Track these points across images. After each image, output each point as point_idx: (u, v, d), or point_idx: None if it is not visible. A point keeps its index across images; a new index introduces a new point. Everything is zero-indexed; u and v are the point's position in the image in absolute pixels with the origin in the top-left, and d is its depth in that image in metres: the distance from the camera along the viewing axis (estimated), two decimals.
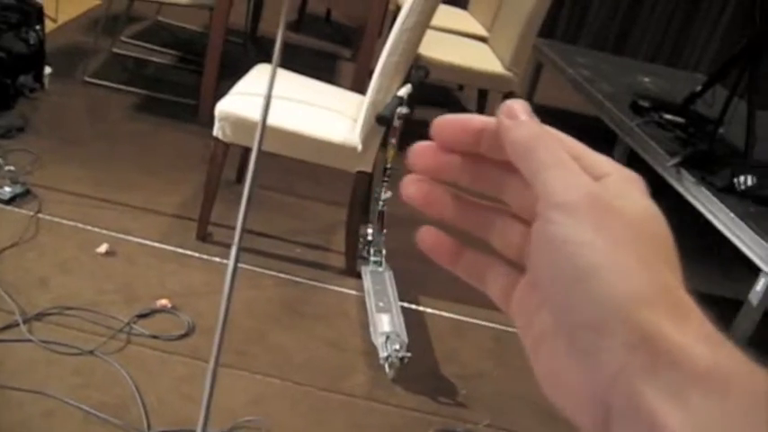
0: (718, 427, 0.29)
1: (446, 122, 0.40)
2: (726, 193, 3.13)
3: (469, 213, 0.41)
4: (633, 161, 3.78)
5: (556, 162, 0.35)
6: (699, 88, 3.98)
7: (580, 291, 0.32)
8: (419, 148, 0.40)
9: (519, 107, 0.37)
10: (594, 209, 0.33)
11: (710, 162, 3.41)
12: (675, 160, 3.38)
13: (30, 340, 2.19)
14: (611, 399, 0.32)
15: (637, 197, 0.34)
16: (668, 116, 3.87)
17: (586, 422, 0.34)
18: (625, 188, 0.34)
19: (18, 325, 2.22)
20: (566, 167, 0.35)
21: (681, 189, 3.30)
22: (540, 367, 0.37)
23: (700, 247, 3.67)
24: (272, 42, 4.41)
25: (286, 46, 4.47)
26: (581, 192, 0.34)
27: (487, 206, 0.41)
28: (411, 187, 0.41)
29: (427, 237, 0.42)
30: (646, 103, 4.00)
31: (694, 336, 0.31)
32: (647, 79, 4.89)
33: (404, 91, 2.53)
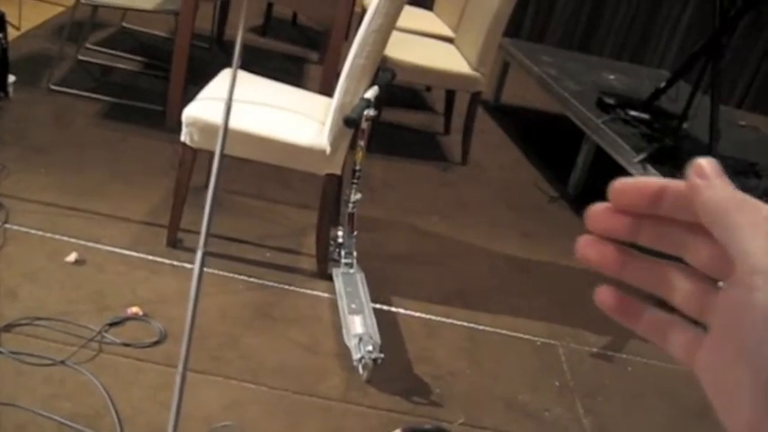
0: None
1: (624, 187, 0.40)
2: None
3: (645, 271, 0.41)
4: (600, 158, 3.82)
5: (754, 226, 0.34)
6: (663, 84, 4.03)
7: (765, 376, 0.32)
8: (596, 210, 0.41)
9: (709, 167, 0.37)
10: None
11: (676, 157, 3.46)
12: (641, 156, 3.42)
13: None
14: None
15: None
16: (633, 113, 3.92)
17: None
18: None
19: None
20: (765, 232, 0.34)
21: None
22: (736, 419, 0.36)
23: None
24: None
25: (253, 50, 4.47)
26: None
27: (664, 264, 0.40)
28: (588, 250, 0.42)
29: (607, 297, 0.42)
30: (611, 101, 4.05)
31: None
32: (612, 77, 4.95)
33: (371, 93, 2.54)
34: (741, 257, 0.33)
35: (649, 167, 3.36)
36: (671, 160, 3.41)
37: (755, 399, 0.33)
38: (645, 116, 3.90)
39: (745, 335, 0.33)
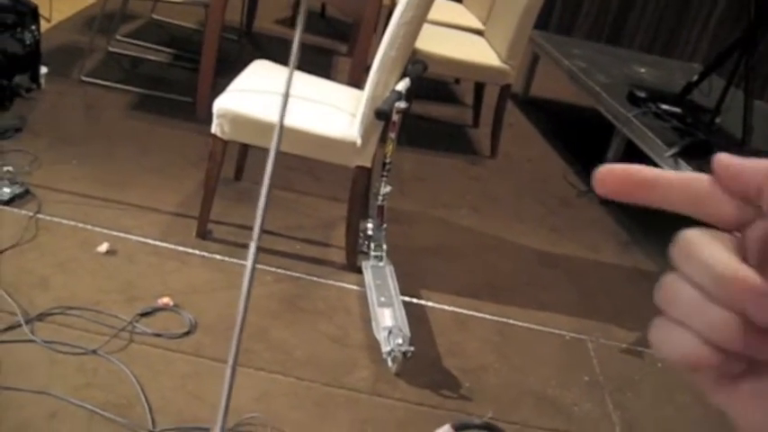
0: None
1: (613, 173, 0.39)
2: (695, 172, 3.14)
3: (677, 188, 0.39)
4: (630, 152, 3.79)
5: None
6: (695, 78, 3.98)
7: None
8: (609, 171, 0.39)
9: (731, 157, 0.37)
10: None
11: (708, 152, 3.41)
12: (673, 150, 3.38)
13: (32, 341, 2.19)
14: None
15: None
16: (665, 106, 3.88)
17: None
18: None
19: (20, 326, 2.22)
20: None
21: None
22: (750, 405, 0.36)
23: None
24: (268, 38, 4.41)
25: (282, 42, 4.47)
26: None
27: (701, 179, 0.39)
28: (608, 176, 0.39)
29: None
30: (642, 94, 4.01)
31: None
32: (642, 70, 4.90)
33: (402, 85, 2.53)
34: None
35: (681, 162, 3.33)
36: (703, 155, 3.36)
37: None
38: (677, 110, 3.86)
39: None
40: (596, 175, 0.39)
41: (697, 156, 3.34)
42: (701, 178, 0.38)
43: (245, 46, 4.84)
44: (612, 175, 0.39)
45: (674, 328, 0.36)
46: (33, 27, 3.47)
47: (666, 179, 0.38)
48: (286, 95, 0.40)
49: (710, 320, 0.35)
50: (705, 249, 0.35)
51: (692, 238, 0.36)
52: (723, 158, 0.37)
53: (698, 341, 0.35)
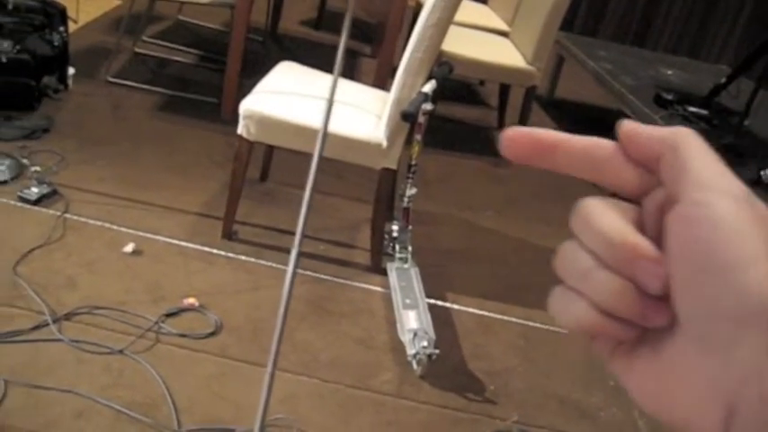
0: None
1: (516, 136, 0.39)
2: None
3: (581, 154, 0.39)
4: None
5: (699, 149, 0.35)
6: (723, 80, 3.95)
7: (729, 279, 0.31)
8: (513, 134, 0.39)
9: (634, 123, 0.37)
10: (748, 203, 0.33)
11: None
12: None
13: (60, 340, 2.20)
14: (740, 398, 0.31)
15: None
16: (692, 109, 3.85)
17: (700, 425, 0.33)
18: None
19: (48, 325, 2.24)
20: (715, 161, 0.35)
21: None
22: (642, 374, 0.36)
23: None
24: (293, 40, 4.42)
25: (307, 43, 4.48)
26: (736, 183, 0.34)
27: (606, 146, 0.38)
28: (512, 141, 0.39)
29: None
30: (669, 96, 3.98)
31: None
32: (669, 72, 4.86)
33: (428, 87, 2.52)
34: (692, 176, 0.34)
35: None
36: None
37: (676, 344, 0.34)
38: (704, 112, 3.83)
39: (686, 258, 0.33)
40: (502, 137, 0.38)
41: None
42: (605, 145, 0.37)
43: (270, 47, 4.86)
44: (517, 137, 0.38)
45: (569, 296, 0.36)
46: (62, 28, 3.50)
47: (569, 143, 0.38)
48: (330, 102, 0.39)
49: (602, 287, 0.35)
50: (600, 217, 0.36)
51: (589, 205, 0.36)
52: (626, 125, 0.37)
53: (590, 308, 0.35)
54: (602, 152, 0.37)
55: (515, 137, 0.38)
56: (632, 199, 0.37)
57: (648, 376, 0.36)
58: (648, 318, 0.34)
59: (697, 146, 0.35)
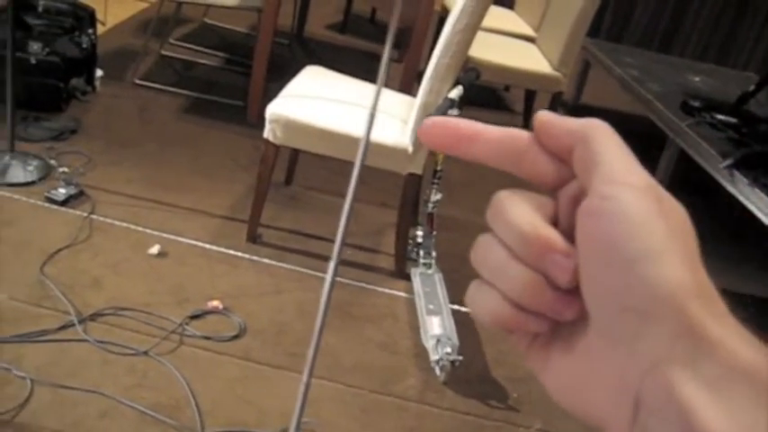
0: (754, 423, 0.29)
1: (435, 126, 0.39)
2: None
3: (499, 143, 0.39)
4: (684, 163, 3.72)
5: (609, 140, 0.35)
6: (752, 88, 3.91)
7: (633, 272, 0.32)
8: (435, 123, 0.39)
9: (550, 113, 0.37)
10: (655, 196, 0.33)
11: (765, 163, 3.34)
12: (729, 162, 3.32)
13: (85, 340, 2.22)
14: (644, 388, 0.31)
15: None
16: (720, 116, 3.81)
17: (611, 417, 0.33)
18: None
19: (74, 325, 2.25)
20: (626, 154, 0.35)
21: (734, 191, 3.24)
22: (557, 369, 0.36)
23: (755, 250, 3.61)
24: (318, 43, 4.43)
25: (332, 47, 4.48)
26: (644, 177, 0.34)
27: (523, 137, 0.39)
28: (431, 130, 0.39)
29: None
30: (697, 103, 3.94)
31: (735, 333, 0.31)
32: (696, 78, 4.82)
33: (455, 93, 2.52)
34: (601, 169, 0.34)
35: (737, 173, 3.26)
36: (760, 166, 3.29)
37: (583, 337, 0.35)
38: (732, 120, 3.78)
39: (593, 251, 0.33)
40: (421, 127, 0.39)
41: (754, 167, 3.27)
42: (521, 136, 0.38)
43: (296, 51, 4.87)
44: (436, 127, 0.39)
45: (484, 289, 0.36)
46: (90, 31, 3.53)
47: (486, 133, 0.38)
48: (373, 111, 0.39)
49: (514, 280, 0.35)
50: (513, 210, 0.36)
51: (503, 198, 0.37)
52: (542, 115, 0.37)
53: (504, 301, 0.36)
54: (518, 143, 0.38)
55: (434, 126, 0.39)
56: (549, 190, 0.37)
57: (562, 371, 0.36)
58: (559, 311, 0.35)
59: (609, 139, 0.35)
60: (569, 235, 0.35)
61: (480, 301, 0.37)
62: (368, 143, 0.34)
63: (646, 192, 0.33)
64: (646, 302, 0.31)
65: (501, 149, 0.38)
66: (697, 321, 0.31)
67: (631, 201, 0.32)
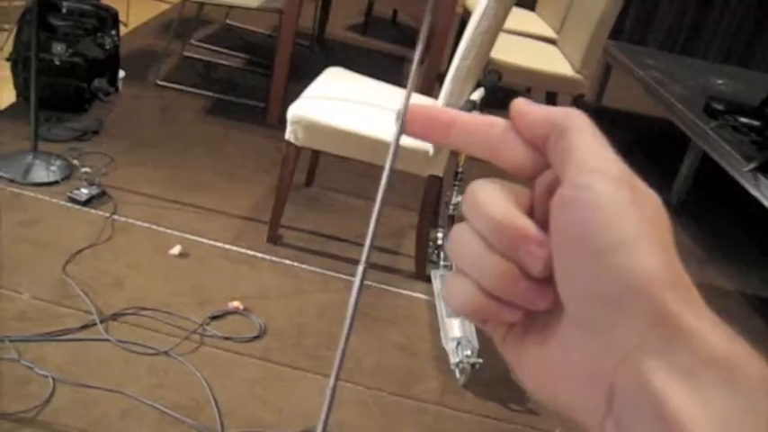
0: (727, 411, 0.29)
1: (416, 114, 0.39)
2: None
3: (476, 131, 0.39)
4: (707, 166, 3.70)
5: (592, 137, 0.35)
6: None
7: (606, 261, 0.32)
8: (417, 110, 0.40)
9: (526, 101, 0.37)
10: (629, 185, 0.33)
11: None
12: (752, 165, 3.29)
13: (107, 340, 2.23)
14: (617, 378, 0.31)
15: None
16: (744, 119, 3.78)
17: (585, 408, 0.33)
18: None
19: (95, 324, 2.27)
20: (601, 144, 0.35)
21: (758, 195, 3.22)
22: (532, 361, 0.36)
23: None
24: (340, 45, 4.43)
25: (353, 48, 4.48)
26: (618, 166, 0.34)
27: (502, 125, 0.38)
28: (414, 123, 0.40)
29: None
30: (720, 106, 3.91)
31: (708, 323, 0.31)
32: (720, 81, 4.78)
33: (477, 95, 2.51)
34: (576, 159, 0.34)
35: (761, 177, 3.24)
36: None
37: (554, 328, 0.35)
38: (756, 123, 3.75)
39: (567, 239, 0.33)
40: (400, 114, 0.39)
41: None
42: (498, 123, 0.38)
43: (317, 52, 4.88)
44: (414, 113, 0.39)
45: (459, 279, 0.36)
46: (113, 32, 3.54)
47: (463, 121, 0.38)
48: (404, 116, 0.39)
49: (487, 269, 0.35)
50: (487, 199, 0.36)
51: (477, 187, 0.37)
52: (519, 103, 0.37)
53: (478, 291, 0.36)
54: (494, 130, 0.38)
55: (413, 113, 0.39)
56: (526, 179, 0.37)
57: (537, 362, 0.36)
58: (532, 300, 0.35)
59: (584, 129, 0.35)
60: (544, 224, 0.35)
61: (455, 291, 0.37)
62: (397, 148, 0.33)
63: (619, 180, 0.33)
64: (619, 291, 0.31)
65: (477, 137, 0.38)
66: (670, 310, 0.31)
67: (605, 189, 0.32)
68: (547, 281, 0.34)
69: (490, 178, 0.37)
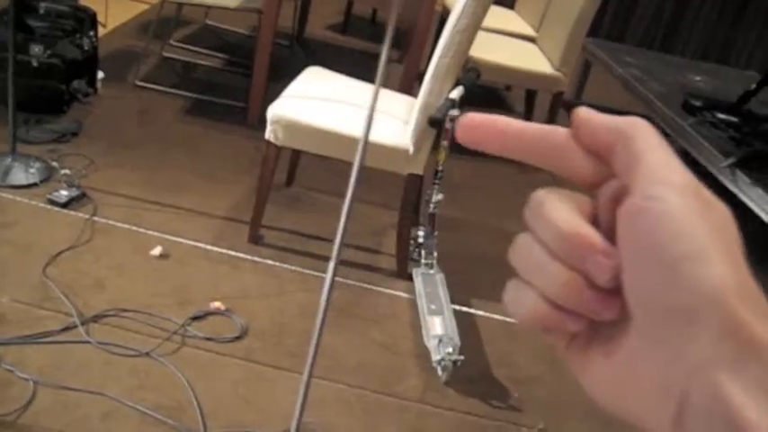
0: None
1: (475, 123, 0.38)
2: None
3: (537, 140, 0.38)
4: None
5: (659, 147, 0.35)
6: (753, 87, 3.91)
7: (679, 271, 0.32)
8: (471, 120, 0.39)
9: (589, 110, 0.37)
10: (697, 196, 0.33)
11: (766, 162, 3.34)
12: (730, 161, 3.32)
13: (87, 342, 2.22)
14: (690, 389, 0.31)
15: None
16: (722, 115, 3.81)
17: (653, 417, 0.33)
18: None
19: (76, 326, 2.26)
20: (668, 154, 0.35)
21: (736, 190, 3.25)
22: (597, 370, 0.36)
23: (756, 248, 3.61)
24: (319, 44, 4.42)
25: (333, 47, 4.49)
26: (686, 177, 0.34)
27: (561, 133, 0.38)
28: (468, 131, 0.39)
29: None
30: (698, 103, 3.94)
31: None
32: (698, 78, 4.82)
33: (456, 93, 2.52)
34: (648, 174, 0.34)
35: (738, 172, 3.27)
36: (761, 165, 3.30)
37: (624, 338, 0.34)
38: (734, 119, 3.79)
39: (637, 252, 0.33)
40: (459, 123, 0.38)
41: (755, 166, 3.28)
42: (559, 132, 0.37)
43: (297, 52, 4.87)
44: (473, 123, 0.38)
45: (522, 288, 0.36)
46: (91, 33, 3.53)
47: (522, 129, 0.38)
48: (371, 112, 0.39)
49: (553, 279, 0.35)
50: (552, 208, 0.36)
51: (542, 197, 0.36)
52: (582, 111, 0.37)
53: (542, 300, 0.35)
54: (556, 139, 0.37)
55: (471, 123, 0.38)
56: (588, 188, 0.37)
57: (602, 370, 0.36)
58: (598, 311, 0.35)
59: (651, 138, 0.35)
60: (609, 234, 0.35)
61: (518, 300, 0.37)
62: (366, 144, 0.34)
63: (689, 191, 0.33)
64: (692, 302, 0.31)
65: (539, 146, 0.38)
66: (743, 321, 0.31)
67: (675, 200, 0.32)
68: (612, 291, 0.34)
69: (553, 188, 0.37)
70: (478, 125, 0.38)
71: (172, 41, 4.45)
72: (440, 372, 2.39)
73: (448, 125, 2.55)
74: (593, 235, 0.34)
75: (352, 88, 2.97)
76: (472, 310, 2.77)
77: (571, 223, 0.35)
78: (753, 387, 0.30)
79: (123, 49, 4.30)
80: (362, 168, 0.39)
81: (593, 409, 2.17)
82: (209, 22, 4.90)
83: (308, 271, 2.77)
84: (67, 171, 2.94)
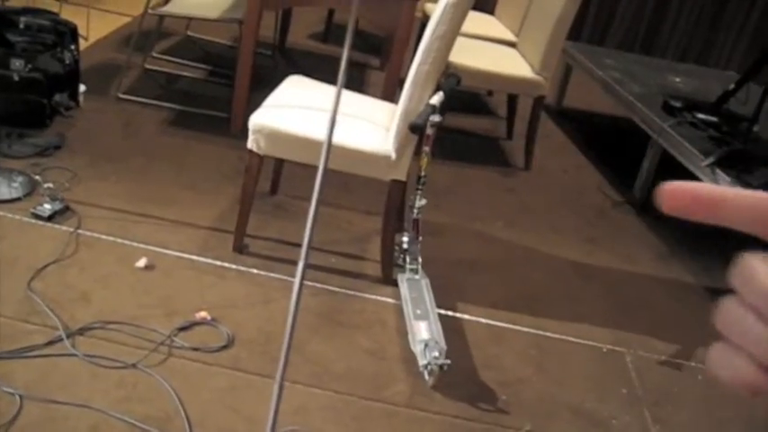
0: None
1: (677, 190, 0.39)
2: (763, 191, 3.11)
3: (747, 207, 0.38)
4: (666, 162, 3.76)
5: None
6: (732, 86, 3.95)
7: None
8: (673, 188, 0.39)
9: None
10: None
11: (746, 161, 3.38)
12: (710, 160, 3.35)
13: (74, 355, 2.22)
14: None
15: None
16: (701, 116, 3.85)
17: None
18: None
19: (62, 340, 2.26)
20: None
21: None
22: None
23: (737, 247, 3.64)
24: (301, 53, 4.43)
25: (315, 56, 4.49)
26: None
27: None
28: (672, 194, 0.39)
29: None
30: (678, 104, 3.98)
31: None
32: (677, 79, 4.86)
33: (436, 99, 2.54)
34: None
35: (718, 171, 3.30)
36: (740, 164, 3.33)
37: None
38: (713, 119, 3.82)
39: None
40: (661, 192, 0.38)
41: (734, 165, 3.31)
42: (764, 198, 0.37)
43: (279, 61, 4.88)
44: (678, 192, 0.38)
45: (730, 352, 0.36)
46: (72, 47, 3.53)
47: (733, 198, 0.37)
48: (334, 114, 0.40)
49: (761, 341, 0.35)
50: (763, 272, 0.35)
51: (751, 261, 0.36)
52: None
53: (751, 363, 0.35)
54: (761, 204, 0.37)
55: (675, 193, 0.38)
56: None
57: None
58: None
59: None
60: None
61: (726, 364, 0.36)
62: (330, 145, 0.34)
63: None
64: None
65: (749, 215, 0.37)
66: None
67: None
68: None
69: (762, 253, 0.36)
70: (683, 196, 0.38)
71: (154, 53, 4.45)
72: (427, 376, 2.40)
73: (429, 131, 2.57)
74: None
75: (333, 96, 2.98)
76: (458, 314, 2.78)
77: None
78: None
79: (105, 62, 4.30)
80: (327, 171, 0.40)
81: (580, 410, 2.21)
82: (191, 34, 4.90)
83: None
84: (51, 185, 2.94)
